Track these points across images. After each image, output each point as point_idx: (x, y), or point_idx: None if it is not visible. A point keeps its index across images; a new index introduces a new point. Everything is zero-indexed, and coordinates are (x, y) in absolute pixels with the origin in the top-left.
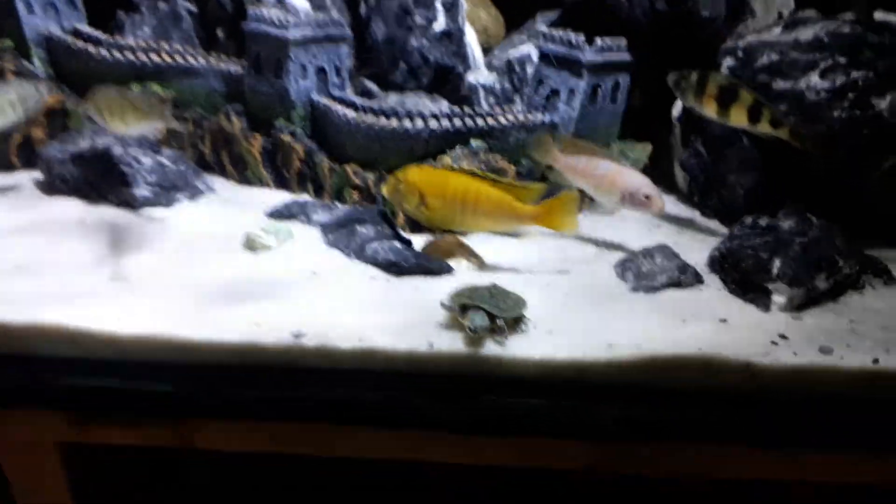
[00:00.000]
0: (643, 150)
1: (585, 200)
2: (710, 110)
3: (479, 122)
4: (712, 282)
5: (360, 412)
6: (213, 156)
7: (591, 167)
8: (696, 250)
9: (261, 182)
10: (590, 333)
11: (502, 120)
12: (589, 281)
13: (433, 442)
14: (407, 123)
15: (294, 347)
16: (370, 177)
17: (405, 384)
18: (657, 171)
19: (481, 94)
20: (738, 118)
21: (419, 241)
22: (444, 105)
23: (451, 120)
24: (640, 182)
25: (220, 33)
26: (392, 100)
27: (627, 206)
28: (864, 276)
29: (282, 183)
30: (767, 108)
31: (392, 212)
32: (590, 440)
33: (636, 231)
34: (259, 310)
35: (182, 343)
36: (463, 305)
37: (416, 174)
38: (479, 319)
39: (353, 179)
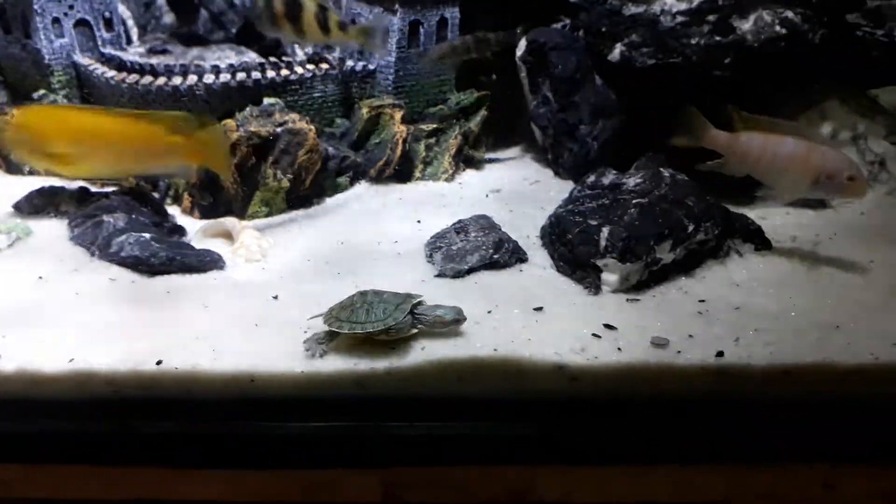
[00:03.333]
0: (481, 100)
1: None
2: (287, 33)
3: (272, 74)
4: (541, 258)
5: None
6: None
7: (772, 147)
8: (541, 219)
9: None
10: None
11: (301, 71)
12: (390, 268)
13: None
14: (176, 80)
15: None
16: None
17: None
18: (508, 123)
19: None
20: (313, 34)
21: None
22: (249, 57)
23: (233, 74)
24: (841, 161)
25: None
26: (190, 55)
27: (821, 193)
28: (729, 242)
29: None
30: (332, 15)
31: (176, 191)
32: (380, 467)
33: (470, 198)
34: None
35: None
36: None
37: (28, 114)
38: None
39: None
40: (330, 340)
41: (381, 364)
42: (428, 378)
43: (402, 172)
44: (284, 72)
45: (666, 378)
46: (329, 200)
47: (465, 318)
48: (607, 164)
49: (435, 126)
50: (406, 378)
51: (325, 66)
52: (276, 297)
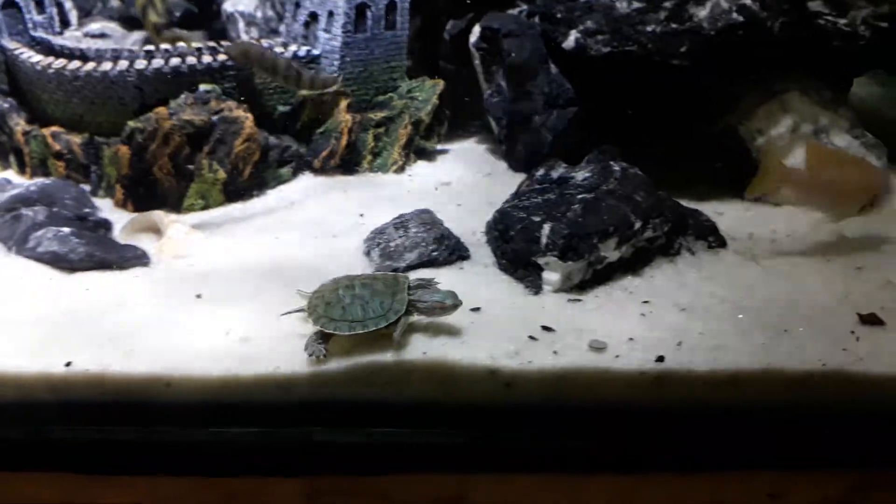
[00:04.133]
0: (433, 89)
1: None
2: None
3: (208, 59)
4: (484, 256)
5: None
6: None
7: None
8: (489, 214)
9: None
10: (289, 338)
11: None
12: (325, 265)
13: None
14: (106, 66)
15: None
16: (76, 141)
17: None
18: (465, 113)
19: (240, 24)
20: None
21: None
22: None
23: (167, 59)
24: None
25: None
26: (131, 40)
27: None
28: (681, 240)
29: None
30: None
31: (109, 183)
32: (303, 475)
33: (418, 191)
34: None
35: None
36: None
37: None
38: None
39: (53, 146)
40: (326, 340)
41: (304, 368)
42: (355, 383)
43: (350, 163)
44: (222, 57)
45: (603, 384)
46: (270, 192)
47: (461, 303)
48: (563, 156)
49: (384, 115)
50: (332, 383)
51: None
52: (199, 296)
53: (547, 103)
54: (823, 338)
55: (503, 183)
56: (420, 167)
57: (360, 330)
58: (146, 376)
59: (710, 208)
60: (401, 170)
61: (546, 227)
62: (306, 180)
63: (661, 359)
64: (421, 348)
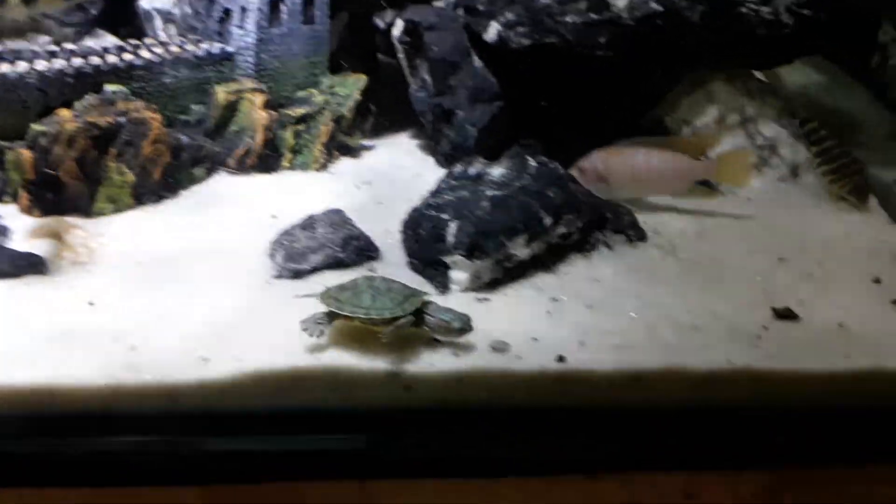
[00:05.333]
0: (355, 84)
1: None
2: None
3: (113, 59)
4: (396, 256)
5: None
6: None
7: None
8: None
9: None
10: (183, 343)
11: (147, 55)
12: (229, 268)
13: None
14: (4, 68)
15: None
16: None
17: None
18: (395, 107)
19: (157, 22)
20: None
21: None
22: (107, 42)
23: (69, 60)
24: None
25: None
26: (42, 40)
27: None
28: (598, 234)
29: None
30: None
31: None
32: (196, 484)
33: (338, 190)
34: None
35: None
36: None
37: None
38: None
39: None
40: (329, 322)
41: (192, 375)
42: (245, 390)
43: (269, 162)
44: (128, 56)
45: (505, 385)
46: (184, 194)
47: (471, 329)
48: (487, 152)
49: (304, 111)
50: (221, 391)
51: (175, 49)
52: (91, 304)
53: (471, 98)
54: (734, 334)
55: (429, 180)
56: (344, 164)
57: (361, 314)
58: (30, 387)
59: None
60: (323, 167)
61: (453, 226)
62: (221, 180)
63: (561, 359)
64: (317, 354)
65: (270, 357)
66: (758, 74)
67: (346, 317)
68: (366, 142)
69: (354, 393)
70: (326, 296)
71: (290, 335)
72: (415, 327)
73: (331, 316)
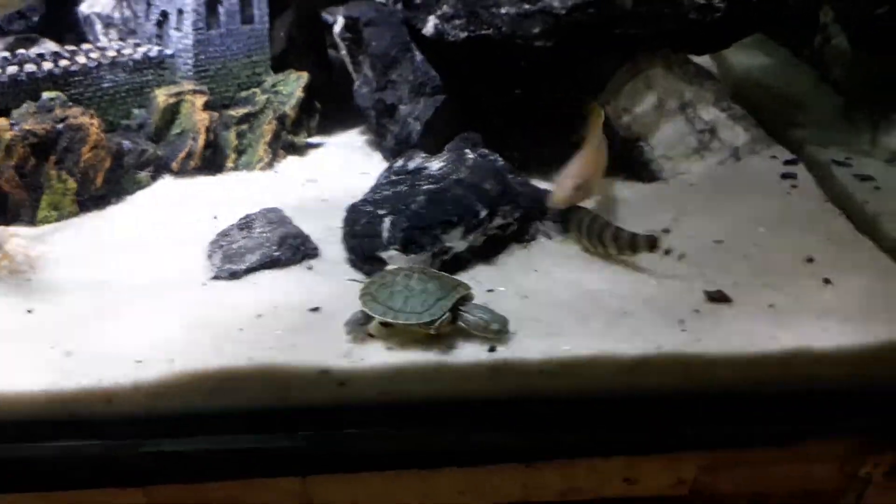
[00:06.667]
0: (297, 82)
1: None
2: None
3: (48, 66)
4: (336, 253)
5: None
6: None
7: None
8: None
9: None
10: (118, 347)
11: (83, 60)
12: (166, 270)
13: None
14: None
15: None
16: None
17: None
18: (343, 104)
19: (98, 27)
20: None
21: None
22: (46, 47)
23: (3, 68)
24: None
25: None
26: None
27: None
28: (537, 225)
29: None
30: None
31: None
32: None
33: (282, 189)
34: None
35: None
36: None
37: None
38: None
39: None
40: (367, 322)
41: (127, 378)
42: (178, 392)
43: (214, 163)
44: (64, 62)
45: (438, 378)
46: (129, 198)
47: (508, 331)
48: (431, 146)
49: (246, 111)
50: (154, 393)
51: (111, 53)
52: (30, 311)
53: (413, 92)
54: (665, 319)
55: (375, 176)
56: (290, 163)
57: (390, 318)
58: None
59: None
60: (268, 166)
61: (387, 221)
62: (166, 184)
63: (493, 349)
64: (248, 353)
65: (203, 358)
66: (707, 58)
67: (379, 319)
68: (314, 139)
69: (289, 391)
70: (365, 292)
71: (223, 336)
72: (451, 324)
73: (368, 316)
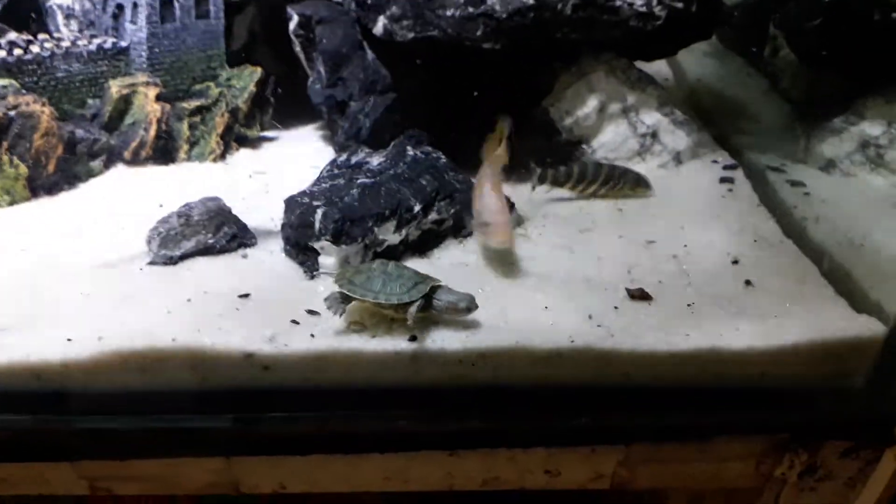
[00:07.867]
0: (251, 76)
1: None
2: None
3: (1, 54)
4: (274, 243)
5: None
6: None
7: None
8: None
9: None
10: (50, 326)
11: (36, 50)
12: (107, 256)
13: None
14: None
15: None
16: None
17: None
18: (299, 98)
19: (59, 18)
20: None
21: None
22: (7, 37)
23: None
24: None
25: None
26: None
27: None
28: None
29: None
30: None
31: None
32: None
33: (229, 180)
34: None
35: None
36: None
37: None
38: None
39: None
40: (346, 303)
41: (56, 356)
42: (106, 369)
43: (167, 153)
44: (18, 51)
45: (360, 365)
46: (81, 185)
47: (476, 307)
48: (380, 142)
49: (198, 104)
50: (85, 370)
51: (66, 44)
52: None
53: (363, 90)
54: (583, 314)
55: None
56: (241, 156)
57: (370, 298)
58: None
59: (525, 190)
60: (220, 158)
61: (319, 213)
62: (118, 172)
63: (413, 338)
64: (173, 335)
65: (130, 338)
66: (664, 65)
67: (358, 299)
68: (270, 133)
69: (215, 373)
70: (341, 278)
71: (152, 318)
72: (423, 311)
73: (345, 298)
